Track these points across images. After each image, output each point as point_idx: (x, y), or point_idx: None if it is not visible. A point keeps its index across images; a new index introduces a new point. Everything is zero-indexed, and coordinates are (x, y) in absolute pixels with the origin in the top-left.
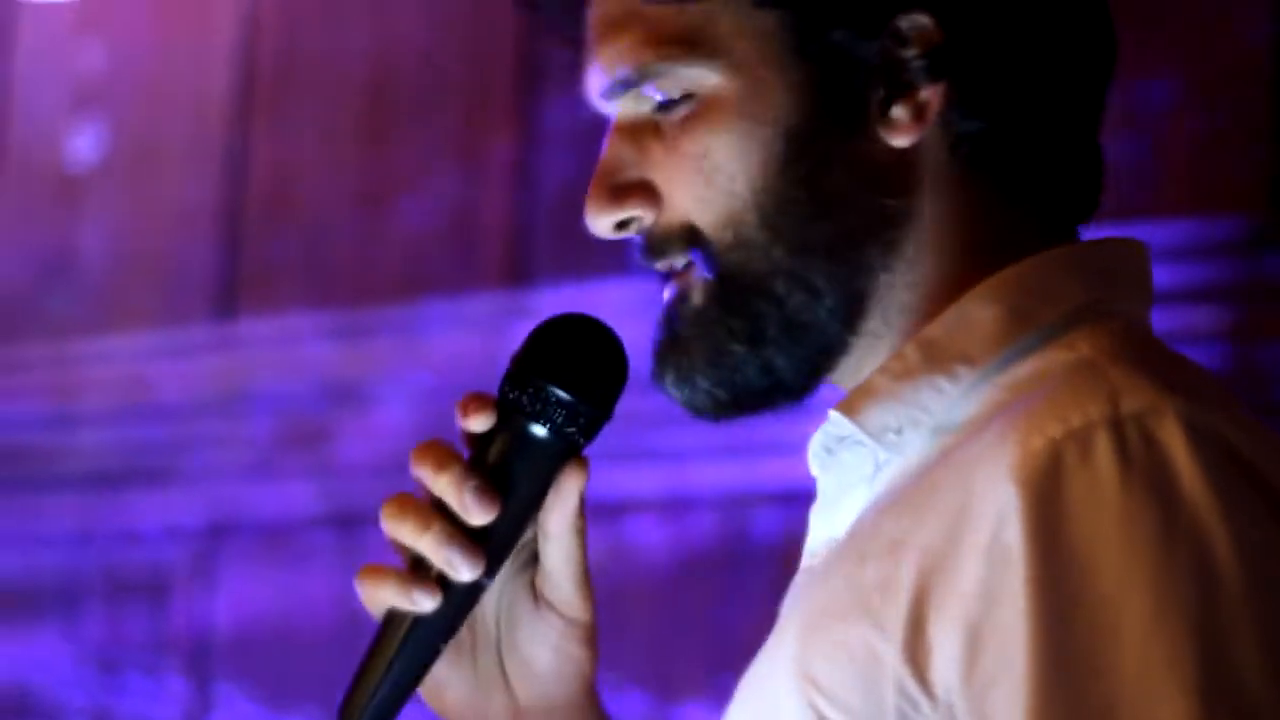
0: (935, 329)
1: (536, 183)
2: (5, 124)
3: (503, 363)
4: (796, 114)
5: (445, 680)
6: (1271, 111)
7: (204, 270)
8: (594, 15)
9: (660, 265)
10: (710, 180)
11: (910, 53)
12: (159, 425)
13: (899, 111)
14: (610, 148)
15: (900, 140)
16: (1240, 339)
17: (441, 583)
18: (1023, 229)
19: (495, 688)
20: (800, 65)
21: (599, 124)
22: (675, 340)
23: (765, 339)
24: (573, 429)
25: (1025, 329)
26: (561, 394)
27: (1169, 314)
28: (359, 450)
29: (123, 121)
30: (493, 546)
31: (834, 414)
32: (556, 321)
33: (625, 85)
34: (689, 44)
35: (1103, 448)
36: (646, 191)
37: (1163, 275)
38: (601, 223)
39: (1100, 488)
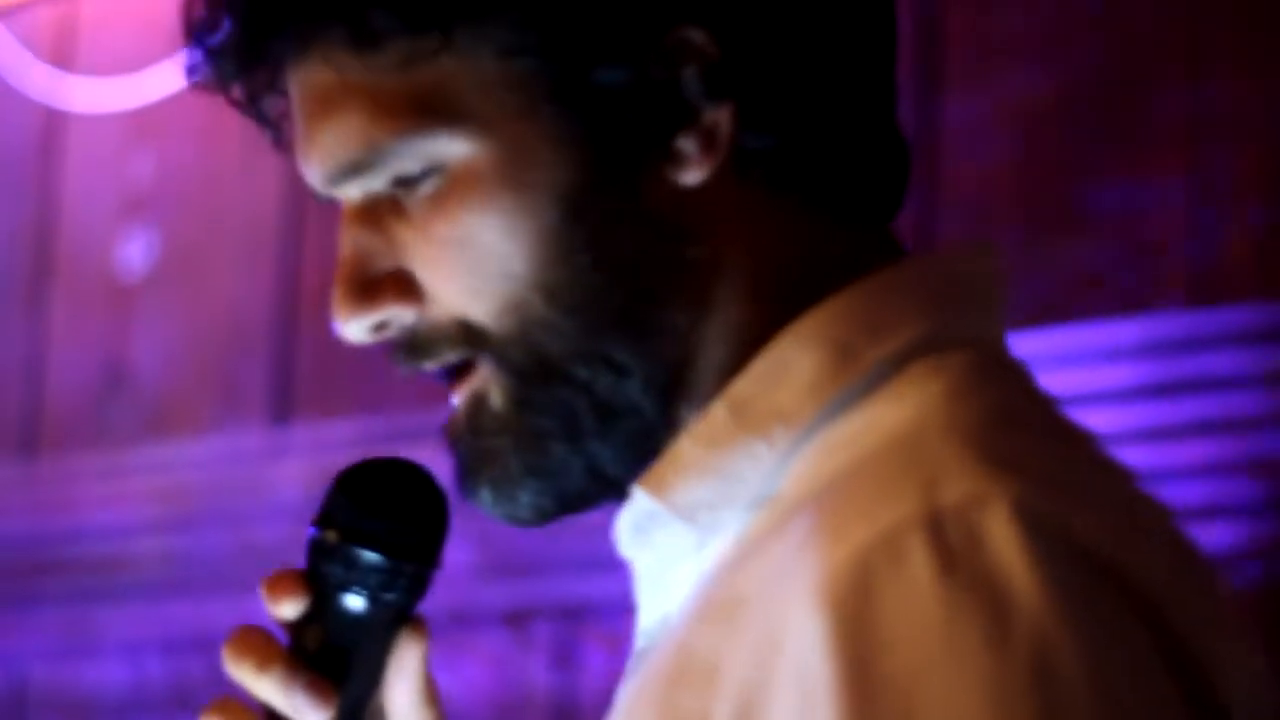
0: (746, 383)
1: None
2: (55, 234)
3: None
4: (568, 172)
5: None
6: None
7: (258, 377)
8: (301, 94)
9: (430, 365)
10: (480, 267)
11: (686, 75)
12: (213, 532)
13: (686, 144)
14: (349, 239)
15: (693, 176)
16: None
17: None
18: (845, 249)
19: None
20: (563, 114)
21: None
22: (484, 452)
23: (583, 432)
24: (394, 593)
25: (850, 374)
26: (373, 557)
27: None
28: None
29: (173, 231)
30: None
31: (638, 491)
32: (357, 471)
33: (354, 170)
34: (424, 111)
35: (917, 552)
36: (402, 284)
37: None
38: (355, 327)
39: (917, 601)
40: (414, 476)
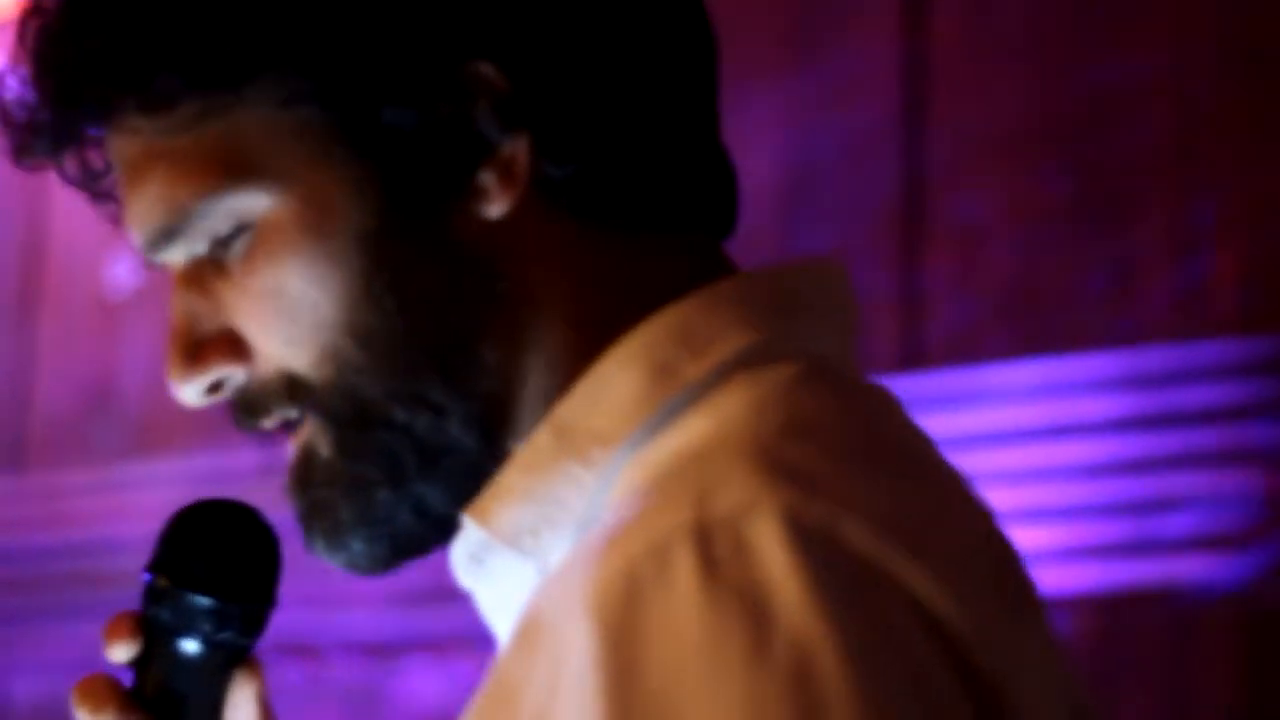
0: (568, 407)
1: None
2: (44, 255)
3: None
4: (365, 216)
5: None
6: None
7: None
8: (115, 164)
9: (266, 424)
10: (293, 318)
11: (479, 110)
12: None
13: (485, 178)
14: (177, 303)
15: (495, 209)
16: None
17: None
18: (664, 270)
19: None
20: (354, 159)
21: None
22: (315, 504)
23: (406, 475)
24: (227, 633)
25: (669, 390)
26: (203, 600)
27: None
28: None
29: None
30: None
31: (465, 519)
32: (184, 515)
33: (167, 235)
34: (223, 170)
35: (683, 561)
36: (229, 344)
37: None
38: (189, 390)
39: (680, 610)
40: (242, 517)
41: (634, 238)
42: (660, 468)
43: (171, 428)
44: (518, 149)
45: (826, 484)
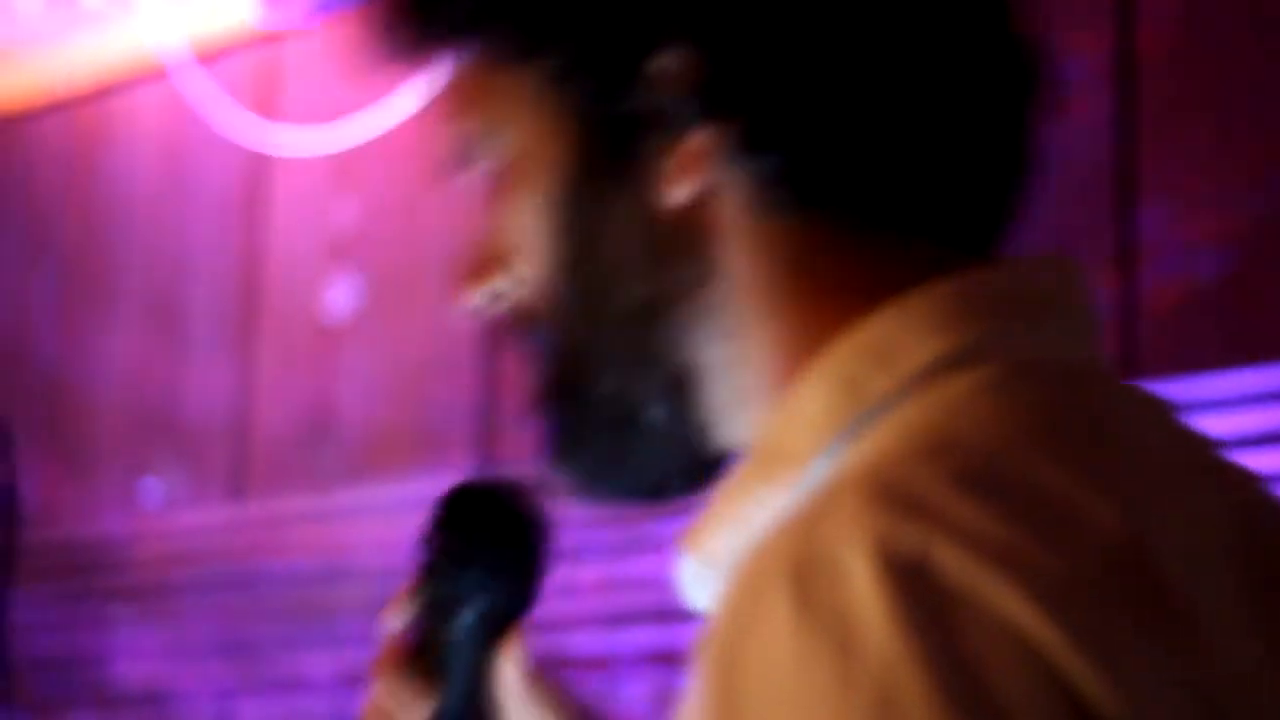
0: (766, 432)
1: None
2: (262, 279)
3: None
4: (565, 173)
5: None
6: None
7: (462, 418)
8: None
9: (521, 338)
10: (523, 250)
11: (670, 97)
12: None
13: (669, 164)
14: (479, 220)
15: (676, 196)
16: None
17: None
18: (884, 270)
19: None
20: (567, 120)
21: None
22: (544, 425)
23: (600, 429)
24: (497, 604)
25: (858, 405)
26: (477, 572)
27: None
28: (638, 596)
29: (377, 273)
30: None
31: (681, 546)
32: (460, 492)
33: (459, 154)
34: (479, 113)
35: (780, 594)
36: (500, 260)
37: None
38: (466, 300)
39: (774, 641)
40: (514, 496)
41: (852, 238)
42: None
43: (389, 453)
44: (703, 139)
45: (929, 506)
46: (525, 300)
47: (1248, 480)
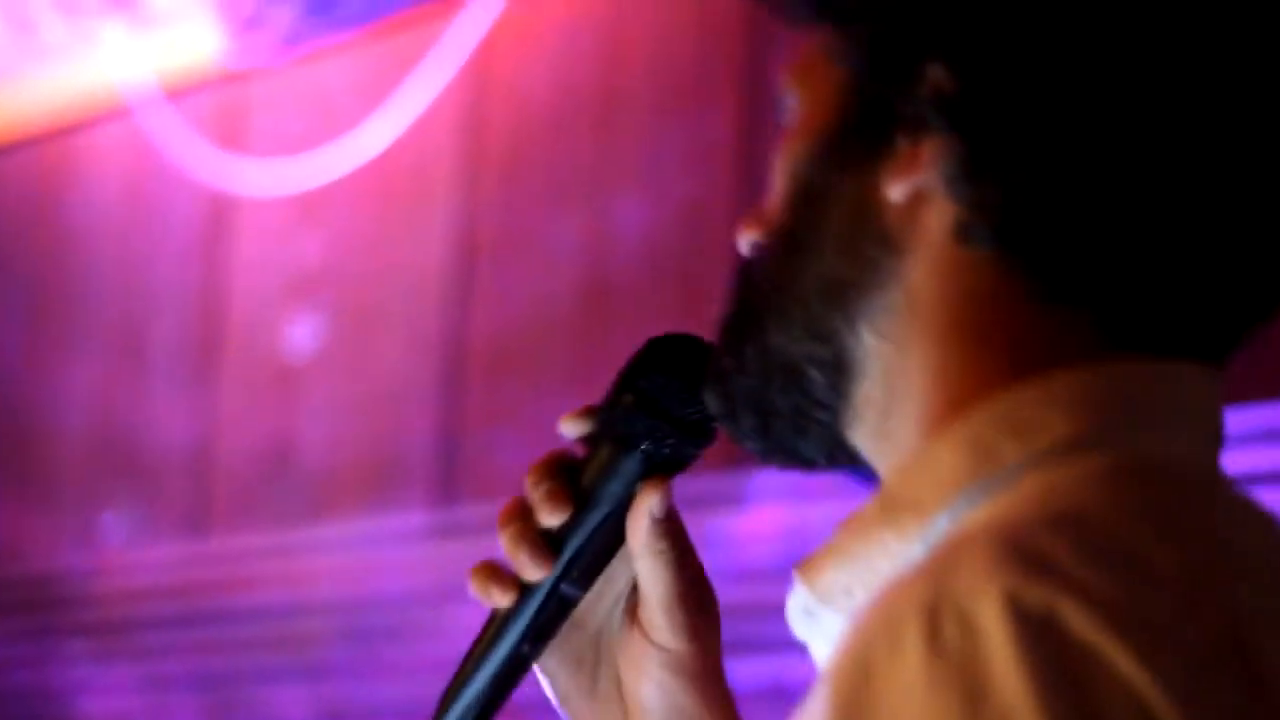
0: (897, 476)
1: None
2: (225, 315)
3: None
4: (821, 139)
5: (567, 692)
6: None
7: (422, 455)
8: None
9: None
10: (772, 206)
11: (918, 98)
12: (379, 614)
13: (898, 159)
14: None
15: (893, 189)
16: None
17: (521, 585)
18: (1046, 334)
19: (612, 706)
20: (840, 94)
21: None
22: (715, 366)
23: (750, 374)
24: (668, 449)
25: (984, 471)
26: (660, 418)
27: None
28: None
29: (340, 310)
30: (573, 556)
31: (796, 576)
32: (665, 338)
33: (784, 92)
34: (802, 75)
35: (912, 639)
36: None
37: None
38: (743, 242)
39: (904, 683)
40: (707, 356)
41: (1042, 294)
42: (946, 544)
43: (350, 488)
44: (933, 146)
45: (1057, 568)
46: (758, 250)
47: None
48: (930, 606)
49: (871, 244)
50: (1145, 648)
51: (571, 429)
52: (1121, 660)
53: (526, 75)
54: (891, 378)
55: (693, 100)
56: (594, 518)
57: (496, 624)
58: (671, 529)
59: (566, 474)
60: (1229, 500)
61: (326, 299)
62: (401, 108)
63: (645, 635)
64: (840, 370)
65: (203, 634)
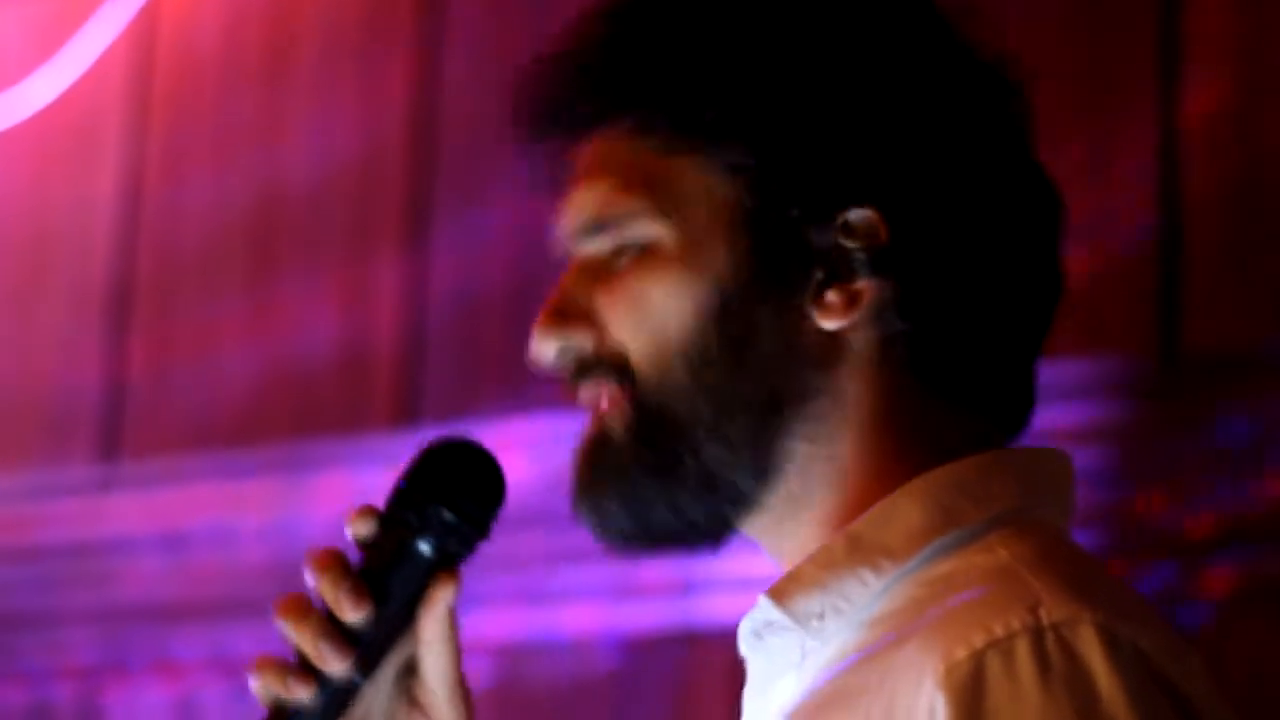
0: (863, 524)
1: (426, 318)
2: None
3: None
4: (733, 277)
5: None
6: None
7: (89, 411)
8: (582, 157)
9: (586, 386)
10: (645, 317)
11: (854, 245)
12: (40, 565)
13: (833, 296)
14: (565, 280)
15: (829, 323)
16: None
17: (318, 676)
18: (951, 430)
19: None
20: (747, 234)
21: (484, 271)
22: (592, 470)
23: (678, 482)
24: (451, 547)
25: (949, 528)
26: (446, 515)
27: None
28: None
29: (5, 265)
30: (366, 647)
31: (762, 599)
32: (443, 444)
33: (596, 229)
34: (653, 198)
35: (1023, 656)
36: (589, 321)
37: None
38: (545, 348)
39: (1022, 694)
40: (486, 461)
41: (935, 398)
42: (952, 585)
43: (12, 440)
44: (869, 288)
45: (1123, 611)
46: (615, 359)
47: None
48: (1035, 630)
49: (802, 365)
50: (1186, 676)
51: (358, 530)
52: (1181, 681)
53: (196, 28)
54: (811, 474)
55: (364, 53)
56: (389, 611)
57: (287, 717)
58: (456, 617)
59: (351, 569)
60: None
61: None
62: (70, 59)
63: (425, 715)
64: (763, 475)
65: None
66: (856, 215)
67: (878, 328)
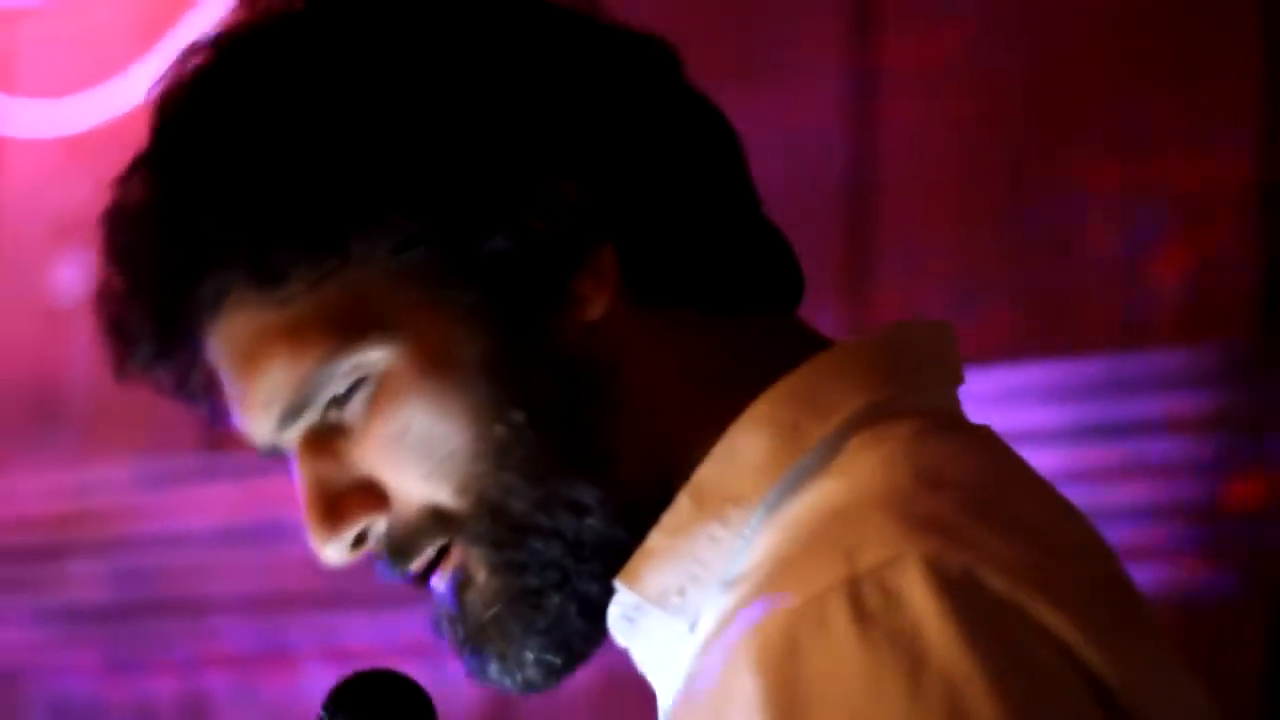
0: (704, 470)
1: None
2: None
3: None
4: (480, 342)
5: None
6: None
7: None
8: (225, 355)
9: (416, 563)
10: (426, 453)
11: (564, 224)
12: (149, 555)
13: (581, 285)
14: (305, 472)
15: (594, 312)
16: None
17: None
18: (763, 344)
19: None
20: (463, 291)
21: None
22: (482, 626)
23: (568, 575)
24: None
25: (797, 451)
26: None
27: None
28: None
29: None
30: None
31: (618, 583)
32: (355, 683)
33: (295, 413)
34: (341, 332)
35: (838, 613)
36: (366, 494)
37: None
38: (333, 549)
39: (840, 658)
40: (408, 689)
41: (725, 319)
42: (800, 528)
43: (118, 433)
44: (604, 254)
45: (961, 535)
46: (425, 516)
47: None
48: (849, 581)
49: (591, 380)
50: (1057, 598)
51: None
52: (1041, 611)
53: None
54: (656, 469)
55: None
56: None
57: None
58: None
59: None
60: (992, 441)
61: (95, 241)
62: (172, 50)
63: None
64: (611, 505)
65: None
66: (544, 196)
67: (625, 289)
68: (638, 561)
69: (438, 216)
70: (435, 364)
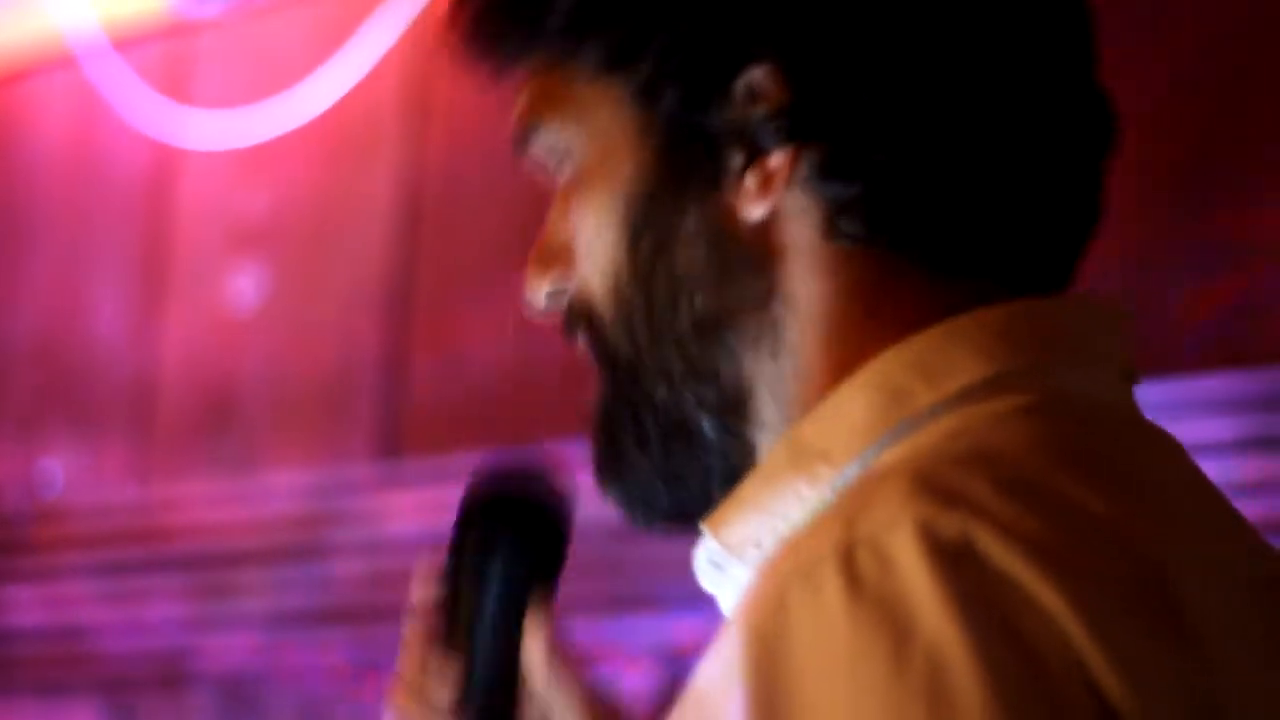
0: (807, 424)
1: None
2: (168, 268)
3: None
4: (642, 182)
5: None
6: None
7: (367, 412)
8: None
9: (579, 339)
10: (588, 252)
11: (757, 115)
12: (323, 566)
13: (750, 180)
14: (550, 212)
15: (752, 212)
16: None
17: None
18: (939, 300)
19: None
20: (649, 130)
21: None
22: (595, 442)
23: (649, 442)
24: (522, 578)
25: (899, 415)
26: (504, 550)
27: None
28: None
29: (284, 264)
30: (483, 709)
31: (704, 528)
32: (489, 475)
33: (521, 139)
34: (557, 108)
35: (829, 578)
36: (566, 257)
37: None
38: (534, 295)
39: (825, 623)
40: (543, 476)
41: (913, 267)
42: (847, 495)
43: (292, 441)
44: (783, 160)
45: (968, 499)
46: (582, 301)
47: (1251, 528)
48: (845, 543)
49: (738, 270)
50: (1067, 582)
51: (424, 596)
52: (1043, 592)
53: None
54: (782, 394)
55: None
56: (492, 669)
57: None
58: (562, 657)
59: (442, 636)
60: (1140, 435)
61: (270, 253)
62: (349, 62)
63: None
64: (728, 408)
65: (142, 581)
66: (746, 82)
67: (814, 204)
68: (727, 509)
69: (649, 58)
70: (606, 178)
